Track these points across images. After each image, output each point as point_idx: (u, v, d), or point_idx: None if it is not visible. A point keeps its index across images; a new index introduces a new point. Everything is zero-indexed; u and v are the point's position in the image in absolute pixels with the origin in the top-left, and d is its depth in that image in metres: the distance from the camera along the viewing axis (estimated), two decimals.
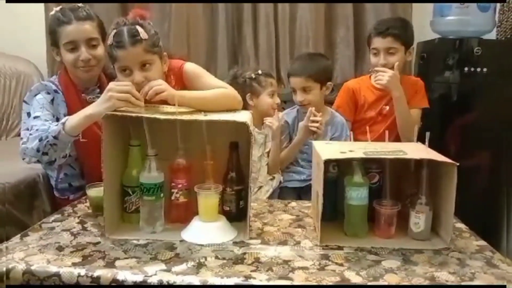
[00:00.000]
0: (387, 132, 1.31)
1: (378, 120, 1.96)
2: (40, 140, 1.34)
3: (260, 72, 1.89)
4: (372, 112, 1.98)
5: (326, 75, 1.91)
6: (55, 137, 1.32)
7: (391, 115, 1.94)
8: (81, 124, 1.30)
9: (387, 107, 1.96)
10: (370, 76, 2.02)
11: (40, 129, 1.37)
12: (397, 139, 1.82)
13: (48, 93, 1.57)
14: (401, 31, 1.88)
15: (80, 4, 1.58)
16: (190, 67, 1.47)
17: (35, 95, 1.55)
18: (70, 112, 1.48)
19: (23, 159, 1.43)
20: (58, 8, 1.56)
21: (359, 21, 2.52)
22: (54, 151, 1.36)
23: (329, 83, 1.91)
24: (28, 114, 1.52)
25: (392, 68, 1.85)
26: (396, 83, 1.83)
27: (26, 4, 2.69)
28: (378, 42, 1.90)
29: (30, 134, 1.39)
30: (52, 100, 1.56)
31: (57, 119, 1.48)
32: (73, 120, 1.30)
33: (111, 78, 1.59)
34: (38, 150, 1.35)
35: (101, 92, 1.39)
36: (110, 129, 1.14)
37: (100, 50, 1.57)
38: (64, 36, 1.52)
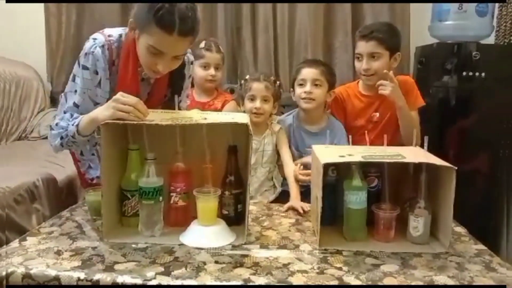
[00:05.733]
0: (385, 136, 1.31)
1: (369, 128, 1.85)
2: (61, 138, 1.36)
3: (247, 77, 1.82)
4: (361, 120, 1.90)
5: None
6: (73, 136, 1.33)
7: (381, 122, 1.88)
8: (89, 127, 1.29)
9: (377, 114, 1.89)
10: (357, 83, 1.98)
11: (61, 125, 1.36)
12: (390, 144, 1.76)
13: (96, 73, 1.38)
14: (386, 36, 1.80)
15: (187, 7, 1.24)
16: (230, 105, 2.01)
17: (84, 68, 1.37)
18: (121, 82, 1.39)
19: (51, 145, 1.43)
20: None
21: (358, 26, 2.51)
22: (77, 146, 1.40)
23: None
24: (73, 91, 1.39)
25: (374, 74, 1.80)
26: (399, 93, 1.76)
27: (26, 8, 2.70)
28: (362, 46, 1.82)
29: (52, 129, 1.39)
30: (99, 82, 1.39)
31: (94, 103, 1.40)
32: (83, 121, 1.30)
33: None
34: (62, 145, 1.38)
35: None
36: (109, 133, 1.15)
37: (179, 62, 1.38)
38: (155, 39, 1.26)
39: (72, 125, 1.32)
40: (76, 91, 1.38)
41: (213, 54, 1.99)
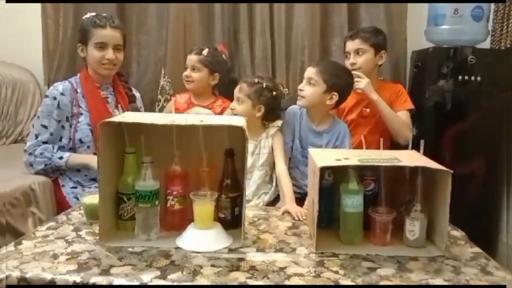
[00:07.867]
0: (382, 139, 1.32)
1: (360, 122, 2.04)
2: (46, 165, 1.77)
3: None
4: (353, 115, 2.05)
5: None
6: (58, 167, 1.77)
7: (372, 117, 2.02)
8: (78, 166, 1.78)
9: (368, 110, 2.04)
10: None
11: (45, 155, 1.76)
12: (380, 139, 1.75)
13: (54, 99, 1.79)
14: (370, 35, 2.01)
15: (110, 16, 1.89)
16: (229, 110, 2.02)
17: (46, 96, 1.82)
18: (89, 103, 1.82)
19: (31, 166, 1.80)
20: (93, 14, 1.85)
21: None
22: (60, 170, 1.81)
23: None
24: (38, 117, 1.81)
25: (360, 69, 1.97)
26: (371, 88, 1.93)
27: (23, 10, 2.69)
28: (349, 45, 2.04)
29: (36, 157, 1.76)
30: (58, 104, 1.79)
31: (67, 119, 1.80)
32: (73, 161, 1.76)
33: (125, 82, 2.03)
34: (45, 171, 1.79)
35: (114, 90, 1.92)
36: (106, 136, 1.15)
37: (122, 55, 1.88)
38: (97, 36, 1.80)
39: (60, 158, 1.75)
40: (39, 116, 1.80)
41: (191, 56, 2.08)
